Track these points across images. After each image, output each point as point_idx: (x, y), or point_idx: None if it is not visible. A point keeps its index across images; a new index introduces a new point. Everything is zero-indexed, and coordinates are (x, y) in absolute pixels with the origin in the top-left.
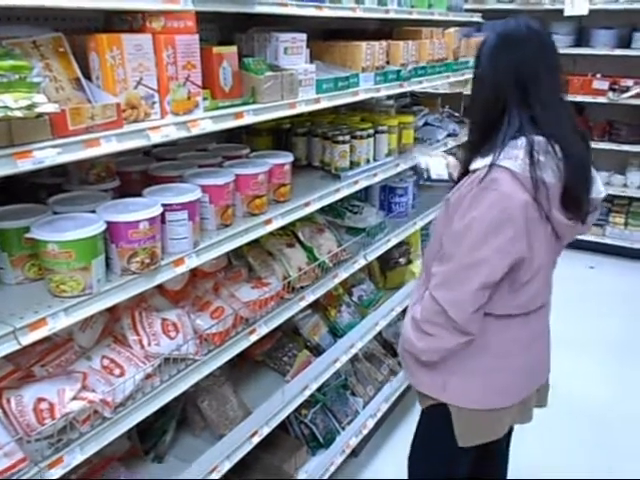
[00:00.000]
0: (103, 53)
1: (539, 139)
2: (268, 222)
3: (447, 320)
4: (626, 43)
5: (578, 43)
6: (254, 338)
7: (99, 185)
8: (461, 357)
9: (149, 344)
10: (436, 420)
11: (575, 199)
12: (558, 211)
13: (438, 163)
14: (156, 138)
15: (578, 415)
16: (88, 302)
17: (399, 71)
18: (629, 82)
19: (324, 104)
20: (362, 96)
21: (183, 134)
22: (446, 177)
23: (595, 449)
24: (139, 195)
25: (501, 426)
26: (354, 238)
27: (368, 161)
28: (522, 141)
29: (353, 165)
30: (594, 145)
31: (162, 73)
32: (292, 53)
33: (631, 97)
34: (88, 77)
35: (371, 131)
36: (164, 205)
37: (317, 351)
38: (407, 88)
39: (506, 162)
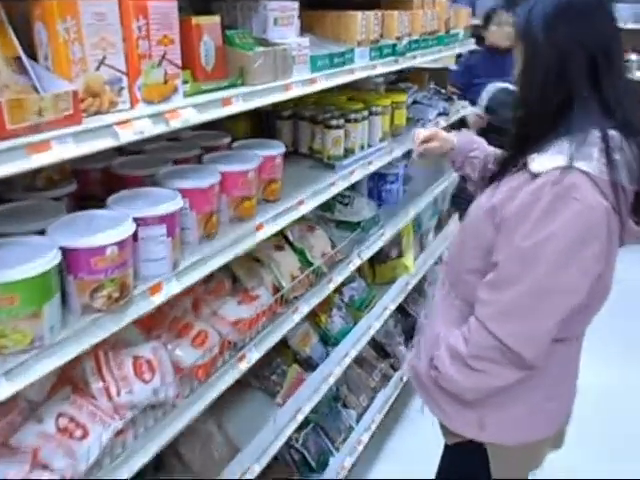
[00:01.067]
0: (53, 24)
1: (612, 133)
2: (259, 228)
3: (504, 355)
4: None
5: None
6: (244, 366)
7: (50, 191)
8: (508, 391)
9: (118, 393)
10: (466, 458)
11: None
12: (629, 217)
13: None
14: (127, 136)
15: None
16: (38, 358)
17: (394, 45)
18: None
19: (320, 85)
20: (358, 74)
21: (161, 129)
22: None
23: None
24: (101, 200)
25: (542, 457)
26: (347, 234)
27: (362, 147)
28: (594, 136)
29: (347, 153)
30: None
31: (132, 50)
32: (282, 24)
33: None
34: (33, 56)
35: (365, 113)
36: (137, 219)
37: (308, 364)
38: (402, 65)
39: (582, 164)
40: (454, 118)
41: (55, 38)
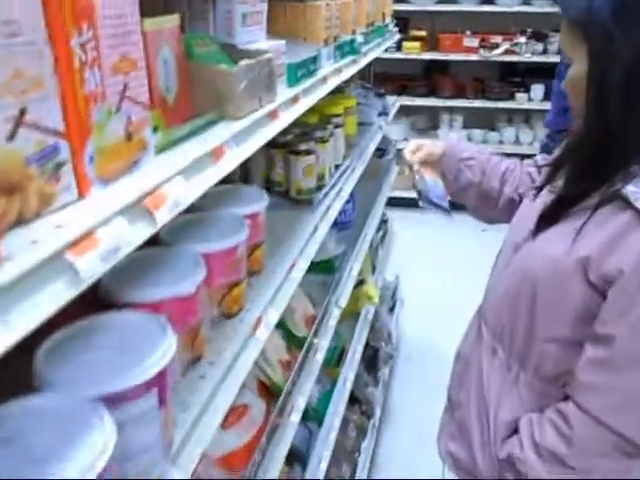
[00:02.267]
0: None
1: None
2: (257, 327)
3: (620, 449)
4: None
5: None
6: None
7: None
8: None
9: None
10: None
11: None
12: None
13: (436, 183)
14: (90, 268)
15: None
16: None
17: (352, 41)
18: (498, 39)
19: (303, 104)
20: (331, 84)
21: (142, 234)
22: (446, 205)
23: None
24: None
25: None
26: (317, 279)
27: (330, 172)
28: None
29: (320, 182)
30: (468, 104)
31: (72, 88)
32: (252, 23)
33: (501, 54)
34: None
35: (331, 127)
36: (106, 399)
37: (295, 459)
38: (360, 64)
39: None
40: (391, 116)
41: None
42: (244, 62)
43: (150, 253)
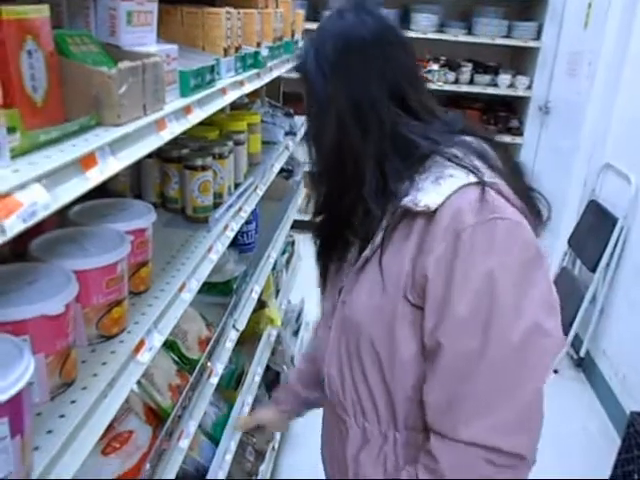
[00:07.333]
0: None
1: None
2: (138, 349)
3: (489, 460)
4: None
5: None
6: None
7: None
8: None
9: None
10: None
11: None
12: None
13: None
14: None
15: None
16: None
17: (256, 54)
18: None
19: (197, 115)
20: (230, 95)
21: None
22: None
23: None
24: None
25: None
26: (215, 300)
27: (230, 190)
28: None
29: (217, 200)
30: None
31: None
32: (139, 23)
33: None
34: None
35: (231, 144)
36: None
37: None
38: (264, 79)
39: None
40: (299, 137)
41: None
42: (125, 64)
43: (16, 269)
